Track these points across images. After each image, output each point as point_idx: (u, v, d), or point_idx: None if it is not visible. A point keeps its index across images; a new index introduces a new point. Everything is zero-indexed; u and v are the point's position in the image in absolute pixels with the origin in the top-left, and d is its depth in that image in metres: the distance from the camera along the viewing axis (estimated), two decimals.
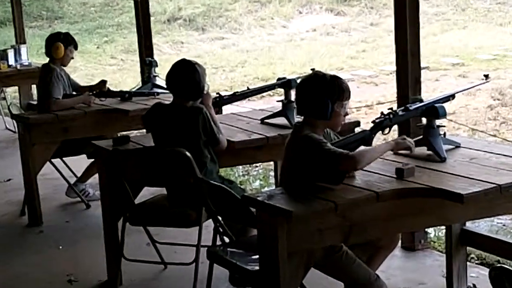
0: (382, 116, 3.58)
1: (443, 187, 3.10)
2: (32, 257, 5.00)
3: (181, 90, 4.15)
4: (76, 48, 5.93)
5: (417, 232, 4.63)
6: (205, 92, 4.19)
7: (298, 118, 3.54)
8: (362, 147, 3.38)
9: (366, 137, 3.47)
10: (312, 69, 3.59)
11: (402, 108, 3.67)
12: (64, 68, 5.89)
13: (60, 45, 5.77)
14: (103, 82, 6.00)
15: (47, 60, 5.88)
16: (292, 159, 3.29)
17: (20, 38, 9.59)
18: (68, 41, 5.85)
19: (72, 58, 5.91)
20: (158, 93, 5.94)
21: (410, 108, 3.65)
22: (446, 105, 3.69)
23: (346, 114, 3.32)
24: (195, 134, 4.05)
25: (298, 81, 3.54)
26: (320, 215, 3.00)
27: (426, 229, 4.67)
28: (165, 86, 4.46)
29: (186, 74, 4.13)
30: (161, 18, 17.32)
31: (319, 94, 3.25)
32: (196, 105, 4.14)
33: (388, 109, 3.63)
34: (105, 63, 15.02)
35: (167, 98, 5.22)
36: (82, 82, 6.28)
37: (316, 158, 3.16)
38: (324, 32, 16.55)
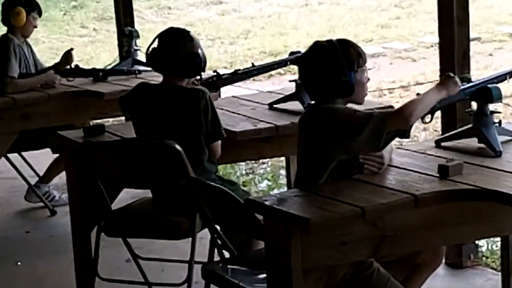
0: None
1: (498, 188, 3.11)
2: None
3: (174, 66, 4.09)
4: (40, 14, 5.93)
5: (466, 245, 4.64)
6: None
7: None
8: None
9: None
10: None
11: None
12: (27, 40, 5.90)
13: (21, 10, 5.77)
14: (69, 52, 5.95)
15: (3, 30, 5.88)
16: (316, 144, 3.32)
17: None
18: (31, 5, 5.85)
19: (35, 27, 5.92)
20: (140, 71, 5.95)
21: None
22: (501, 85, 3.70)
23: (368, 80, 3.41)
24: (195, 123, 4.02)
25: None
26: (344, 223, 3.01)
27: (476, 242, 4.68)
28: None
29: (179, 43, 4.10)
30: None
31: (336, 67, 3.29)
32: (197, 86, 4.12)
33: None
34: (74, 34, 15.03)
35: (152, 77, 5.22)
36: (45, 58, 6.28)
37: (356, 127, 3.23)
38: None
